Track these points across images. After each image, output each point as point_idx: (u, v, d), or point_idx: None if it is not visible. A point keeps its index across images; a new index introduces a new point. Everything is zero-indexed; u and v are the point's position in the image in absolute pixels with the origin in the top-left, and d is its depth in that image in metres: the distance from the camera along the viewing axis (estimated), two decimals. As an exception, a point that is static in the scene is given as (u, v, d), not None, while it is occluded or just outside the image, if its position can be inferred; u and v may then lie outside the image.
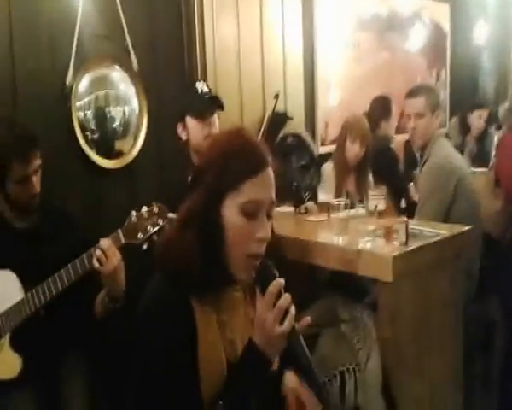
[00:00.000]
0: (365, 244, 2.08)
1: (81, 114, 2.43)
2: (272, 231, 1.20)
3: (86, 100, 2.45)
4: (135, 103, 2.59)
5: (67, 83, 2.34)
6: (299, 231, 2.41)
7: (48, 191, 1.93)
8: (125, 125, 2.58)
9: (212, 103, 2.14)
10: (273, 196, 1.16)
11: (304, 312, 2.34)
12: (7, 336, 1.77)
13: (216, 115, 2.14)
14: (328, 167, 2.97)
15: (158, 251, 1.17)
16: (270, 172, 1.16)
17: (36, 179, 1.82)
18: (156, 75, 2.64)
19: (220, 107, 2.14)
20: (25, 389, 1.75)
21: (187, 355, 1.11)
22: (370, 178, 3.00)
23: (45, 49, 2.30)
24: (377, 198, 2.40)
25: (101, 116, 2.50)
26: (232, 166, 1.13)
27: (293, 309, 1.08)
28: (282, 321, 1.07)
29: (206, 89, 2.17)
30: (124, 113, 2.57)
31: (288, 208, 2.77)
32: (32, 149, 1.80)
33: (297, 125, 3.16)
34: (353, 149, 2.87)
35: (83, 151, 2.41)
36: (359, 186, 2.91)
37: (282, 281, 1.09)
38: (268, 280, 1.09)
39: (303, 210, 2.72)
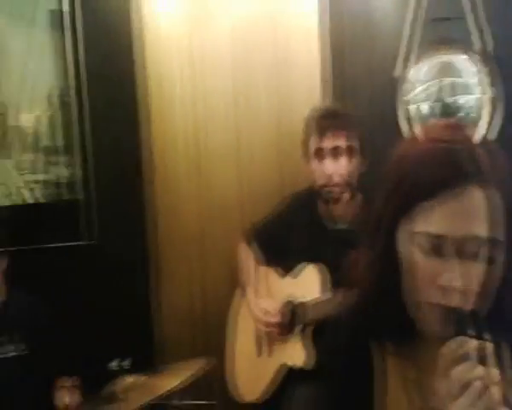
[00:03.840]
0: None
1: (413, 106, 2.28)
2: None
3: (419, 91, 2.27)
4: (478, 91, 2.23)
5: (396, 74, 2.23)
6: None
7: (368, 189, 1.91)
8: (467, 115, 2.26)
9: None
10: (476, 229, 0.76)
11: None
12: (301, 327, 1.86)
13: None
14: None
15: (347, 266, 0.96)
16: (469, 195, 0.76)
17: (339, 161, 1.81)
18: None
19: None
20: (309, 384, 1.79)
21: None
22: None
23: (376, 40, 2.25)
24: None
25: (439, 108, 2.27)
26: (406, 181, 0.80)
27: (494, 392, 0.67)
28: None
29: None
30: (465, 102, 2.25)
31: None
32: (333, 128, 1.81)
33: None
34: None
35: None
36: None
37: (470, 343, 0.71)
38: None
39: None
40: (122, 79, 2.28)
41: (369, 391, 0.88)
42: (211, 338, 2.30)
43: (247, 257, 2.06)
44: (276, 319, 1.91)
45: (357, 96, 2.26)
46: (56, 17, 2.25)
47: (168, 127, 2.28)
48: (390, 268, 0.83)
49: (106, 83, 2.28)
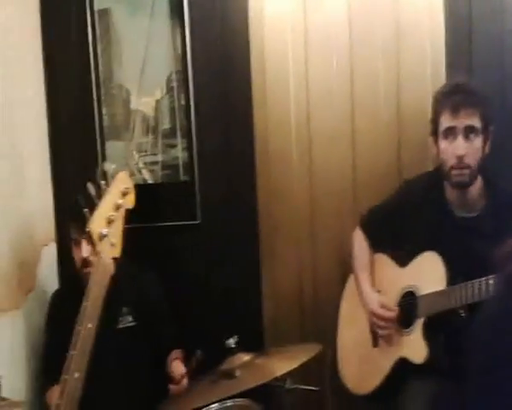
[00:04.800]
0: None
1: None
2: None
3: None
4: None
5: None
6: None
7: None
8: None
9: None
10: None
11: None
12: (421, 320, 1.78)
13: None
14: None
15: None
16: None
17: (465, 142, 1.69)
18: None
19: None
20: (427, 380, 1.73)
21: None
22: None
23: (508, 13, 2.06)
24: None
25: None
26: None
27: None
28: None
29: None
30: None
31: None
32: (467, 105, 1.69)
33: None
34: None
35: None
36: None
37: None
38: None
39: None
40: (236, 63, 2.30)
41: None
42: (320, 323, 2.29)
43: (362, 243, 2.00)
44: (392, 313, 1.83)
45: (485, 74, 2.08)
46: (173, 4, 2.31)
47: (280, 110, 2.27)
48: None
49: (219, 66, 2.31)
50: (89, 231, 1.12)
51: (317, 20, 2.20)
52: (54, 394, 1.90)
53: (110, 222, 1.14)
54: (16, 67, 2.16)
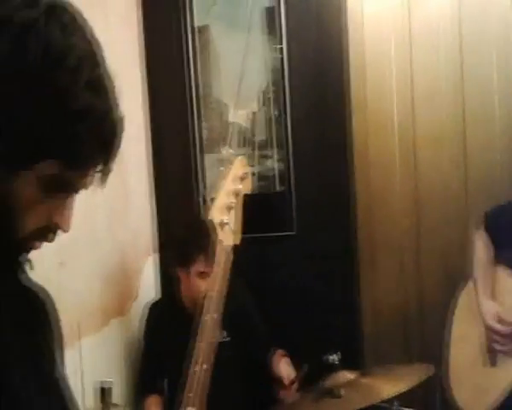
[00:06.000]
0: None
1: None
2: None
3: None
4: None
5: None
6: None
7: None
8: None
9: None
10: None
11: None
12: None
13: None
14: None
15: None
16: None
17: None
18: None
19: None
20: None
21: None
22: None
23: None
24: None
25: None
26: None
27: None
28: None
29: None
30: None
31: None
32: None
33: None
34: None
35: None
36: None
37: None
38: None
39: None
40: (332, 70, 2.26)
41: None
42: (425, 340, 2.14)
43: (486, 247, 1.85)
44: (510, 329, 1.68)
45: None
46: (269, 16, 2.31)
47: (382, 113, 2.19)
48: None
49: (315, 76, 2.28)
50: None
51: (422, 16, 2.11)
52: (151, 403, 1.93)
53: (230, 209, 1.12)
54: (119, 83, 2.25)
